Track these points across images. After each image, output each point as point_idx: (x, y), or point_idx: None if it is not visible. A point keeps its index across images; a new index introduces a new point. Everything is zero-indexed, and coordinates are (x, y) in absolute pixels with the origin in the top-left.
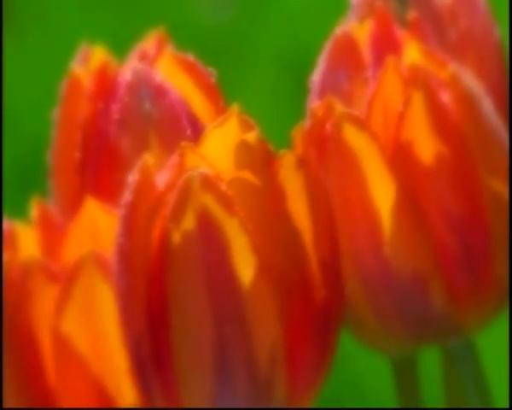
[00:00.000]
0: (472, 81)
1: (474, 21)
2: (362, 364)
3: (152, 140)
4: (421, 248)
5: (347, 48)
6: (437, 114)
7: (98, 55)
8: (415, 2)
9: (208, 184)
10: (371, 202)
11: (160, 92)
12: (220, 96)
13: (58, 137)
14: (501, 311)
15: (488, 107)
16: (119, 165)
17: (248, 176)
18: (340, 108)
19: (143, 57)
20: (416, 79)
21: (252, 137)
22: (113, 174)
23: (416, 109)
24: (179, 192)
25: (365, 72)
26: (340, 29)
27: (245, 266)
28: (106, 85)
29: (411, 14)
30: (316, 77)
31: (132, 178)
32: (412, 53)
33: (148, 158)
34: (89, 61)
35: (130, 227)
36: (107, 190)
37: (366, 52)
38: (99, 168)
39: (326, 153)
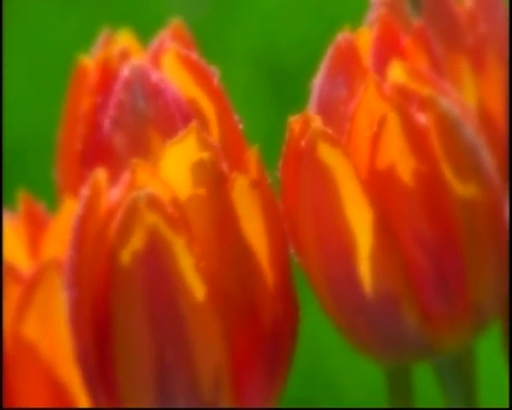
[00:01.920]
0: (450, 106)
1: (493, 25)
2: (337, 363)
3: (145, 139)
4: (393, 268)
5: (347, 54)
6: (411, 136)
7: (122, 40)
8: (430, 7)
9: (154, 204)
10: (344, 220)
11: (154, 91)
12: (223, 94)
13: (64, 127)
14: (481, 332)
15: (468, 132)
16: (113, 161)
17: (201, 196)
18: (315, 124)
19: (159, 50)
20: (392, 100)
21: (206, 157)
22: (107, 170)
23: (390, 130)
24: (125, 211)
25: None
26: (342, 34)
27: (189, 289)
28: (107, 79)
29: (416, 21)
30: (316, 81)
31: (84, 191)
32: (396, 71)
33: (101, 173)
34: (109, 46)
35: (80, 241)
36: None
37: (367, 59)
38: (95, 163)
39: (300, 169)
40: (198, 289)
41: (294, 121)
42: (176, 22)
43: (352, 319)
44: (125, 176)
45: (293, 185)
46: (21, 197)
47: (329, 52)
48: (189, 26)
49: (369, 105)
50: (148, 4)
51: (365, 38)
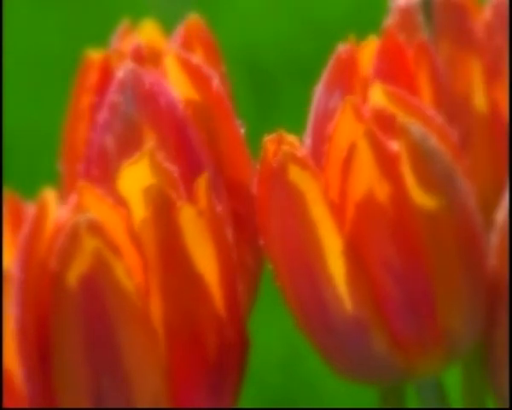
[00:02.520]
0: (424, 135)
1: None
2: (316, 363)
3: (133, 143)
4: (361, 293)
5: (347, 67)
6: (382, 163)
7: (146, 31)
8: (442, 16)
9: (95, 229)
10: (311, 244)
11: (146, 95)
12: (225, 99)
13: (67, 123)
14: (456, 358)
15: (442, 162)
16: (105, 162)
17: (149, 221)
18: (286, 147)
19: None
20: (365, 125)
21: (155, 182)
22: (99, 172)
23: (360, 157)
24: (66, 236)
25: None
26: (343, 45)
27: (128, 316)
28: (107, 77)
29: (425, 32)
30: (316, 89)
31: (31, 210)
32: (376, 94)
33: (50, 193)
34: (127, 38)
35: (26, 261)
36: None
37: (368, 72)
38: (90, 164)
39: (272, 190)
40: (137, 316)
41: (269, 141)
42: (194, 19)
43: (322, 341)
44: (73, 197)
45: (266, 204)
46: (6, 197)
47: (330, 63)
48: (168, 25)
49: (346, 127)
50: (128, 3)
51: (369, 51)
